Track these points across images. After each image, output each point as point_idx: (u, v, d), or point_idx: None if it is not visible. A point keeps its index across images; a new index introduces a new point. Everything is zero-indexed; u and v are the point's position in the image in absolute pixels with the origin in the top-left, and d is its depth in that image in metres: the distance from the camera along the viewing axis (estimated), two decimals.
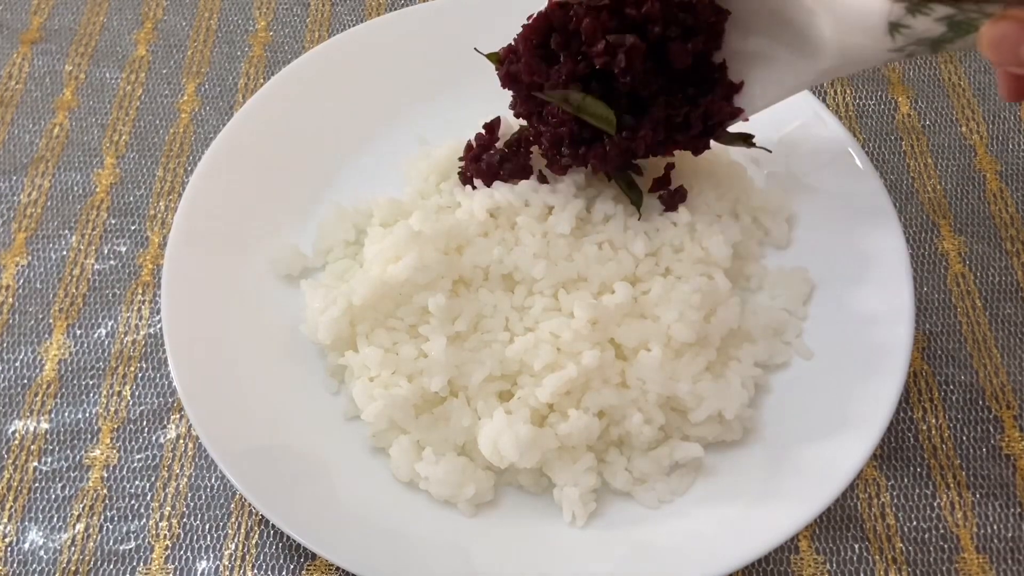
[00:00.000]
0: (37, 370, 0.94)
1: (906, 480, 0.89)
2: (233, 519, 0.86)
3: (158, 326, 0.96)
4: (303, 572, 0.84)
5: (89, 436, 0.90)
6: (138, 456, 0.89)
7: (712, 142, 0.89)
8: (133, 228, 1.04)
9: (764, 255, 0.97)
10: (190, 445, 0.90)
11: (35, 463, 0.89)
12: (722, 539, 0.78)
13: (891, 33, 0.70)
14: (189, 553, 0.84)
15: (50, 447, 0.90)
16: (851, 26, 0.73)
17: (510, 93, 0.93)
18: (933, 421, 0.92)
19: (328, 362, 0.89)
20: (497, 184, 0.93)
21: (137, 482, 0.88)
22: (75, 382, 0.94)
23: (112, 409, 0.92)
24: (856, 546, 0.85)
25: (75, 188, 1.07)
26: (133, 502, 0.87)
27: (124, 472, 0.88)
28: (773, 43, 0.81)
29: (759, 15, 0.81)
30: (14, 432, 0.91)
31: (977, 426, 0.92)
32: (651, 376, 0.82)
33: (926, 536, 0.86)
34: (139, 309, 0.98)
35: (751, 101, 0.85)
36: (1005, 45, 0.60)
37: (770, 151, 0.95)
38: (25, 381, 0.94)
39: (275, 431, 0.84)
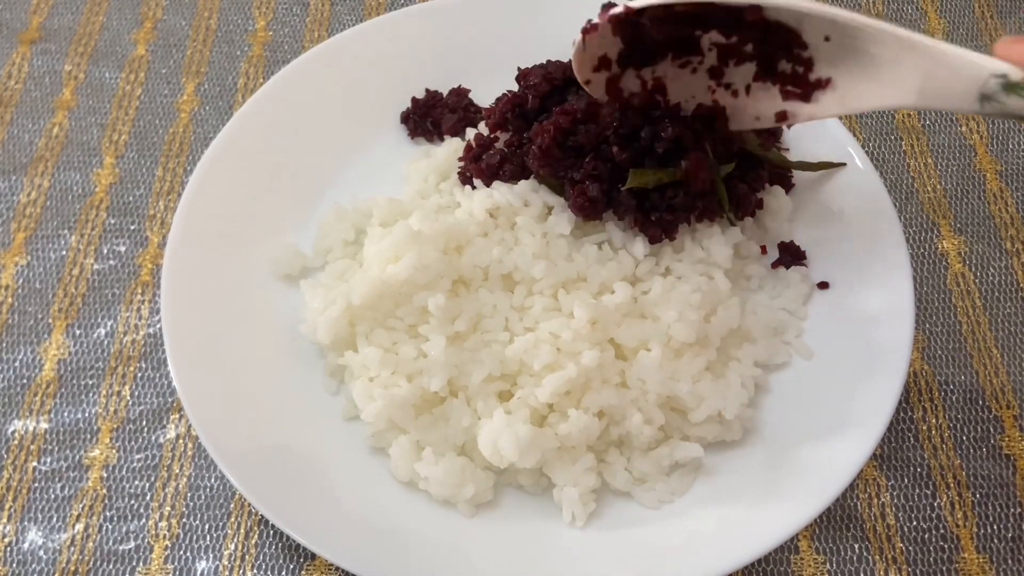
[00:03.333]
0: (36, 370, 0.94)
1: (906, 480, 0.89)
2: (233, 519, 0.86)
3: (157, 326, 0.96)
4: (303, 572, 0.84)
5: (88, 436, 0.90)
6: (137, 456, 0.89)
7: None
8: (132, 228, 1.04)
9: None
10: (189, 445, 0.90)
11: (34, 463, 0.89)
12: (722, 539, 0.78)
13: (980, 101, 0.68)
14: (188, 553, 0.84)
15: (49, 447, 0.90)
16: (940, 86, 0.71)
17: (509, 91, 0.93)
18: (933, 421, 0.92)
19: (328, 362, 0.89)
20: (497, 184, 0.92)
21: (136, 482, 0.88)
22: (74, 382, 0.93)
23: (111, 409, 0.92)
24: (856, 546, 0.85)
25: (74, 188, 1.07)
26: (132, 502, 0.87)
27: (123, 472, 0.88)
28: (855, 72, 0.78)
29: (842, 49, 0.77)
30: (13, 432, 0.90)
31: (977, 426, 0.92)
32: (651, 376, 0.82)
33: (926, 536, 0.86)
34: (138, 309, 0.98)
35: (827, 106, 0.82)
36: None
37: (844, 164, 0.96)
38: (24, 381, 0.94)
39: (275, 431, 0.84)
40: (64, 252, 1.02)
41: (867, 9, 1.25)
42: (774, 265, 0.95)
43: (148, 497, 0.87)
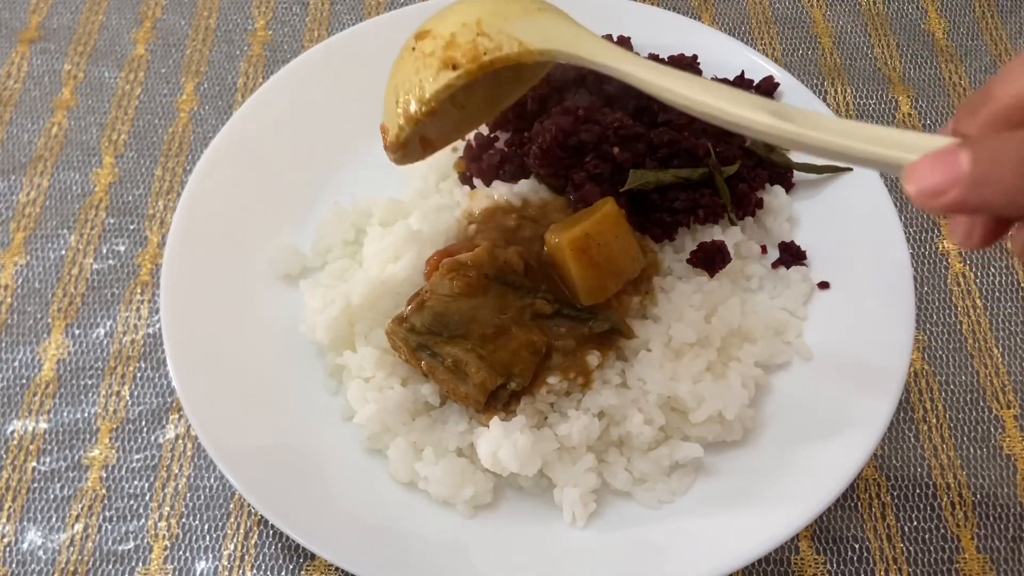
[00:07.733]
0: (36, 370, 0.94)
1: (906, 480, 0.89)
2: (232, 519, 0.86)
3: (157, 326, 0.96)
4: (302, 572, 0.84)
5: (88, 436, 0.90)
6: (137, 456, 0.89)
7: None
8: (132, 228, 1.04)
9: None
10: (189, 445, 0.90)
11: (34, 463, 0.89)
12: (722, 539, 0.78)
13: None
14: (188, 553, 0.84)
15: (49, 447, 0.90)
16: None
17: None
18: (933, 421, 0.92)
19: (327, 362, 0.89)
20: (497, 184, 0.92)
21: (136, 482, 0.88)
22: (74, 382, 0.93)
23: (111, 409, 0.92)
24: (856, 546, 0.85)
25: (74, 187, 1.07)
26: (132, 502, 0.87)
27: (123, 472, 0.88)
28: None
29: None
30: (13, 432, 0.90)
31: (978, 426, 0.92)
32: (651, 376, 0.82)
33: (927, 536, 0.86)
34: (138, 309, 0.98)
35: None
36: None
37: (851, 169, 0.95)
38: (24, 381, 0.94)
39: (274, 431, 0.83)
40: (63, 252, 1.02)
41: (868, 9, 1.25)
42: (774, 265, 0.95)
43: (147, 497, 0.87)
